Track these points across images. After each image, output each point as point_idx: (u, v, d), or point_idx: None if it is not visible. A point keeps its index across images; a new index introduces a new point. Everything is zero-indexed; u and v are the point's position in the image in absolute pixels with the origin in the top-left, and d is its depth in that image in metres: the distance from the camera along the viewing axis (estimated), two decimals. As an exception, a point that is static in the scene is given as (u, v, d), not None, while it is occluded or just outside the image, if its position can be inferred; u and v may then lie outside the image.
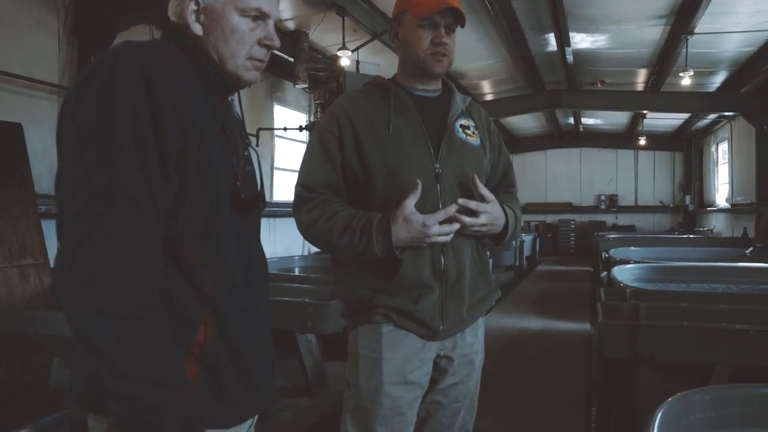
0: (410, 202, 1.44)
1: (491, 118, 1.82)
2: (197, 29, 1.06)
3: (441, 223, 1.46)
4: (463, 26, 1.59)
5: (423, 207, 1.48)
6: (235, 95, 1.22)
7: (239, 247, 1.09)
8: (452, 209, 1.47)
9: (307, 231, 1.56)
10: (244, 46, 1.07)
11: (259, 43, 1.09)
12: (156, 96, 0.94)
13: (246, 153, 1.16)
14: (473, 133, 1.68)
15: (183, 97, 0.99)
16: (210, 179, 1.01)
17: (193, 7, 1.06)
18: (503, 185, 1.81)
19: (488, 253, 1.76)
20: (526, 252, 11.03)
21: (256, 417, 1.18)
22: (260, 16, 1.08)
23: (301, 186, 1.58)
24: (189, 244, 1.00)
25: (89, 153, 0.91)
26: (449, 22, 1.57)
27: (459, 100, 1.68)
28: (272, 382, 1.18)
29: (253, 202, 1.12)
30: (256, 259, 1.16)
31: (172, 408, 0.92)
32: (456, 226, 1.48)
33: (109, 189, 0.90)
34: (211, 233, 1.03)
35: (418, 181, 1.46)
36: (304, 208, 1.56)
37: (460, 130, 1.65)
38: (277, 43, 1.11)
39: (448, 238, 1.49)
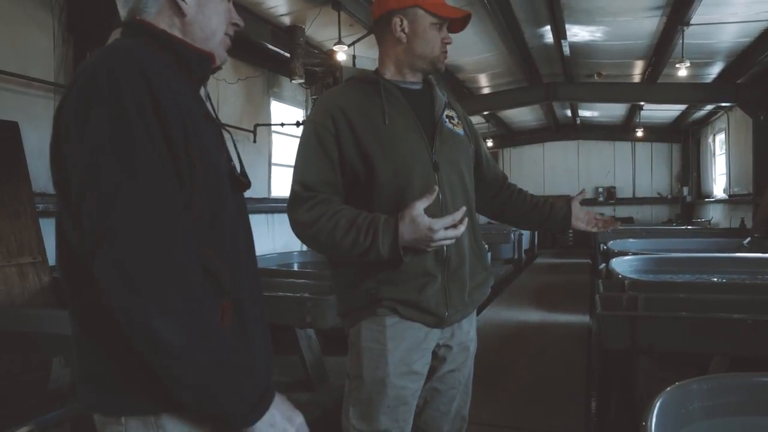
0: (421, 205, 1.43)
1: (485, 112, 1.91)
2: (185, 8, 1.09)
3: (447, 227, 1.45)
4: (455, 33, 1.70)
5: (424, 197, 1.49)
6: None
7: (240, 230, 1.12)
8: (459, 215, 1.46)
9: (306, 230, 1.53)
10: (224, 26, 1.16)
11: (230, 22, 1.18)
12: (160, 98, 0.95)
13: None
14: (458, 123, 1.74)
15: (177, 93, 1.00)
16: (212, 169, 1.03)
17: None
18: (500, 177, 1.93)
19: (485, 244, 1.80)
20: (525, 245, 11.04)
21: None
22: None
23: (300, 185, 1.55)
24: (202, 235, 1.01)
25: (111, 167, 0.91)
26: (449, 26, 1.67)
27: (440, 93, 1.73)
28: (271, 364, 1.20)
29: (246, 180, 1.16)
30: (250, 241, 1.19)
31: (248, 383, 0.96)
32: (461, 230, 1.46)
33: (142, 198, 0.91)
34: (218, 222, 1.04)
35: (436, 187, 1.47)
36: (303, 207, 1.53)
37: (447, 120, 1.69)
38: (241, 21, 1.21)
39: (452, 241, 1.49)
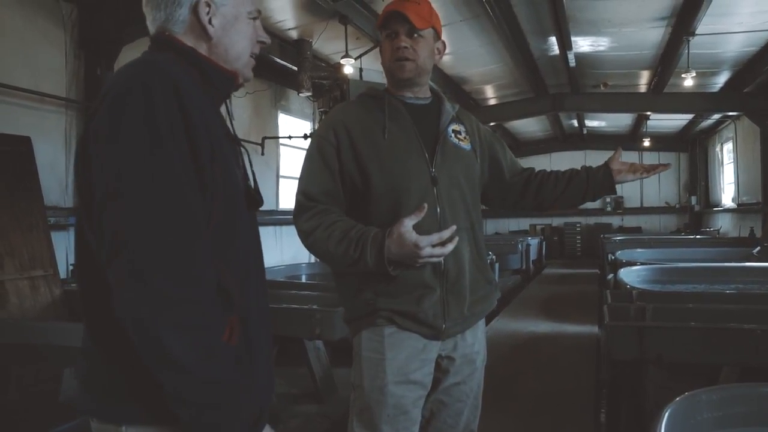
0: (409, 221, 1.47)
1: (492, 123, 1.89)
2: (211, 31, 1.10)
3: (435, 245, 1.47)
4: (419, 28, 1.62)
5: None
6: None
7: (252, 248, 1.14)
8: (447, 233, 1.50)
9: (306, 239, 1.60)
10: (250, 47, 1.17)
11: (257, 41, 1.19)
12: (190, 115, 0.98)
13: None
14: (464, 137, 1.75)
15: (204, 110, 1.02)
16: (231, 185, 1.05)
17: (205, 8, 1.09)
18: (527, 172, 1.89)
19: (490, 253, 1.80)
20: (533, 255, 11.01)
21: None
22: (257, 16, 1.18)
23: (302, 194, 1.63)
24: (216, 250, 1.02)
25: (139, 177, 0.93)
26: (409, 28, 1.62)
27: (449, 107, 1.75)
28: (273, 380, 1.21)
29: (260, 198, 1.17)
30: (260, 259, 1.20)
31: (247, 404, 0.97)
32: (449, 248, 1.50)
33: (166, 211, 0.93)
34: (232, 238, 1.06)
35: (425, 205, 1.50)
36: (304, 216, 1.60)
37: (453, 134, 1.72)
38: (268, 39, 1.21)
39: (440, 258, 1.52)
